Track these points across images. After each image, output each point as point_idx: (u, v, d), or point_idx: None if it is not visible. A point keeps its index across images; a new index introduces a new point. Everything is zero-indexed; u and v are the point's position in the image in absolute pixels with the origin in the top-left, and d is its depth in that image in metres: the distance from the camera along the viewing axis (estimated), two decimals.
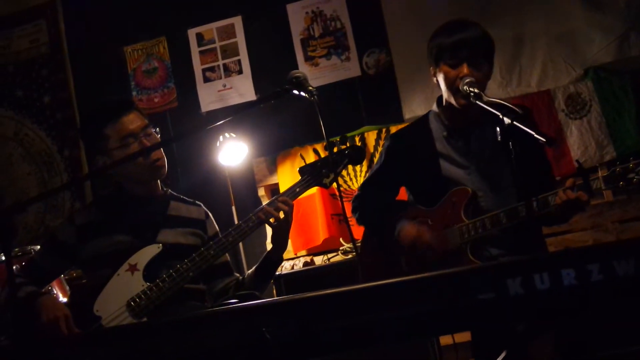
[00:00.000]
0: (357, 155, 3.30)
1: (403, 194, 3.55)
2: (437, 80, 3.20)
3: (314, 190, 5.58)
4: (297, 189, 3.21)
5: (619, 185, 2.83)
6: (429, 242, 3.15)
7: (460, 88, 2.98)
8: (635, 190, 5.19)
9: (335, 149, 3.28)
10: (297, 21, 6.19)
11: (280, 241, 3.22)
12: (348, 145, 3.31)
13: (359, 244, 3.55)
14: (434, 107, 3.33)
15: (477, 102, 2.88)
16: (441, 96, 3.27)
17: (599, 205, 5.16)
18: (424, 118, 3.38)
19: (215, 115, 6.18)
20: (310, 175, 3.23)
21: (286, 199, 3.14)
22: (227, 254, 3.29)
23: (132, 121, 3.16)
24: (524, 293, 1.76)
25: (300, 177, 3.25)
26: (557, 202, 2.85)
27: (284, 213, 3.12)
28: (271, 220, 3.11)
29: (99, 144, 3.16)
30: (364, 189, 3.54)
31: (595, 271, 1.75)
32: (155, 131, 3.23)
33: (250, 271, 3.29)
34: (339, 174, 3.30)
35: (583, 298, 1.77)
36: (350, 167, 5.62)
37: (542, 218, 3.04)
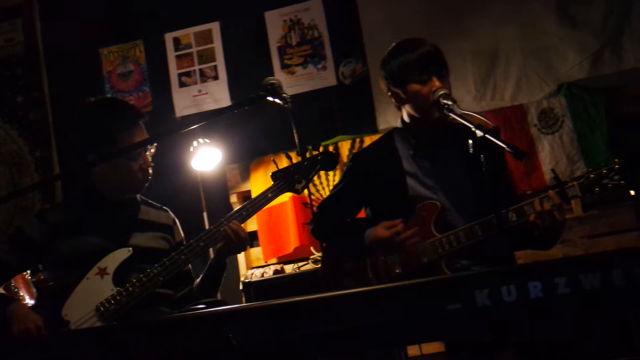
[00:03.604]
0: (329, 160, 3.29)
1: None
2: (398, 101, 3.19)
3: (285, 198, 5.58)
4: (269, 194, 3.20)
5: (594, 191, 2.84)
6: (405, 235, 3.10)
7: (438, 101, 2.97)
8: (607, 203, 5.25)
9: (307, 155, 3.27)
10: (274, 29, 6.19)
11: (229, 254, 3.20)
12: (321, 150, 3.30)
13: (322, 257, 3.50)
14: (399, 125, 3.31)
15: (451, 114, 2.89)
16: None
17: (569, 221, 5.19)
18: (388, 136, 3.35)
19: (189, 120, 6.14)
20: (283, 181, 3.21)
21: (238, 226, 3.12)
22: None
23: (143, 134, 3.15)
24: (490, 305, 1.76)
25: (272, 183, 3.24)
26: (536, 209, 2.86)
27: (241, 237, 3.11)
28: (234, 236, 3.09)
29: (102, 145, 3.08)
30: (323, 209, 3.46)
31: (562, 284, 1.76)
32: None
33: (197, 281, 3.26)
34: (311, 179, 3.28)
35: (549, 310, 1.78)
36: (322, 175, 5.66)
37: (526, 240, 3.04)
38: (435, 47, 3.14)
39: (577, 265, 1.80)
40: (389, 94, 3.22)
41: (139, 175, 3.13)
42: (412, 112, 3.16)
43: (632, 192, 2.88)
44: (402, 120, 3.26)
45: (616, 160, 2.85)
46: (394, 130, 3.34)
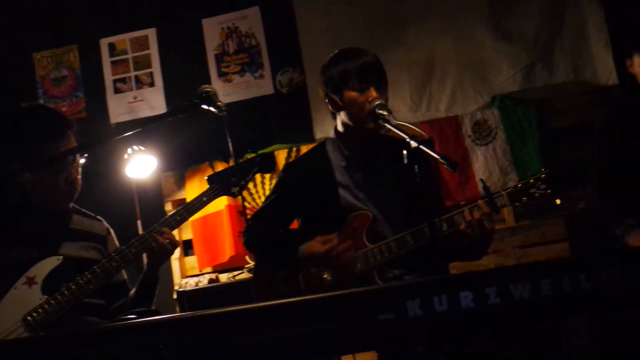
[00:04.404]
0: (266, 163, 3.26)
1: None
2: (334, 109, 3.19)
3: (221, 206, 5.56)
4: (205, 198, 3.14)
5: (522, 200, 2.93)
6: (339, 250, 3.07)
7: (374, 111, 2.98)
8: (538, 214, 5.35)
9: (244, 158, 3.24)
10: (212, 36, 6.16)
11: (160, 265, 3.17)
12: (258, 154, 3.27)
13: (254, 267, 3.48)
14: (332, 135, 3.31)
15: (387, 124, 2.90)
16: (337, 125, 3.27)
17: (501, 231, 5.30)
18: (321, 147, 3.34)
19: (124, 127, 6.01)
20: (218, 184, 3.17)
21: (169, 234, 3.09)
22: (124, 273, 3.21)
23: (71, 145, 3.08)
24: (422, 315, 1.77)
25: (208, 186, 3.19)
26: (466, 218, 2.91)
27: (170, 244, 3.07)
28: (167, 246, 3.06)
29: (26, 155, 3.02)
30: (256, 221, 3.41)
31: (492, 294, 1.78)
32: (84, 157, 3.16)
33: (131, 293, 3.22)
34: (248, 182, 3.25)
35: (480, 321, 1.79)
36: (258, 184, 5.64)
37: (457, 251, 3.08)
38: (376, 58, 3.15)
39: (507, 275, 1.81)
40: (326, 100, 3.22)
41: (64, 188, 3.07)
42: (347, 121, 3.15)
43: (558, 201, 2.97)
44: (336, 130, 3.27)
45: (543, 170, 2.94)
46: (327, 140, 3.33)
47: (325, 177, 3.22)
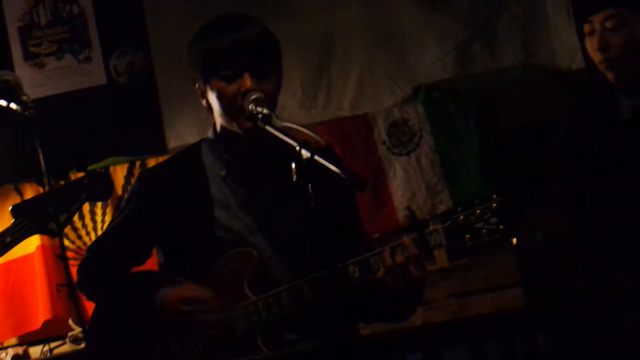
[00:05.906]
0: (99, 186, 3.23)
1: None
2: (207, 102, 3.21)
3: (32, 248, 5.46)
4: (8, 239, 3.09)
5: (464, 239, 2.94)
6: (204, 301, 3.05)
7: (245, 108, 2.99)
8: (480, 250, 5.43)
9: (68, 178, 3.21)
10: (14, 2, 6.06)
11: None
12: (88, 173, 3.23)
13: (89, 326, 3.43)
14: (210, 135, 3.31)
15: (267, 126, 2.90)
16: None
17: (431, 274, 5.30)
18: (194, 149, 3.35)
19: None
20: (29, 217, 3.11)
21: None
22: None
23: None
24: None
25: (13, 220, 3.13)
26: (386, 262, 2.91)
27: None
28: None
29: None
30: (97, 251, 3.40)
31: None
32: None
33: None
34: (73, 214, 3.20)
35: None
36: (87, 214, 5.58)
37: (375, 308, 3.11)
38: (258, 31, 3.17)
39: (439, 335, 1.86)
40: (196, 88, 3.24)
41: None
42: (221, 119, 3.17)
43: (514, 241, 3.00)
44: (214, 128, 3.27)
45: (494, 197, 2.94)
46: (203, 141, 3.34)
47: (197, 190, 3.22)
